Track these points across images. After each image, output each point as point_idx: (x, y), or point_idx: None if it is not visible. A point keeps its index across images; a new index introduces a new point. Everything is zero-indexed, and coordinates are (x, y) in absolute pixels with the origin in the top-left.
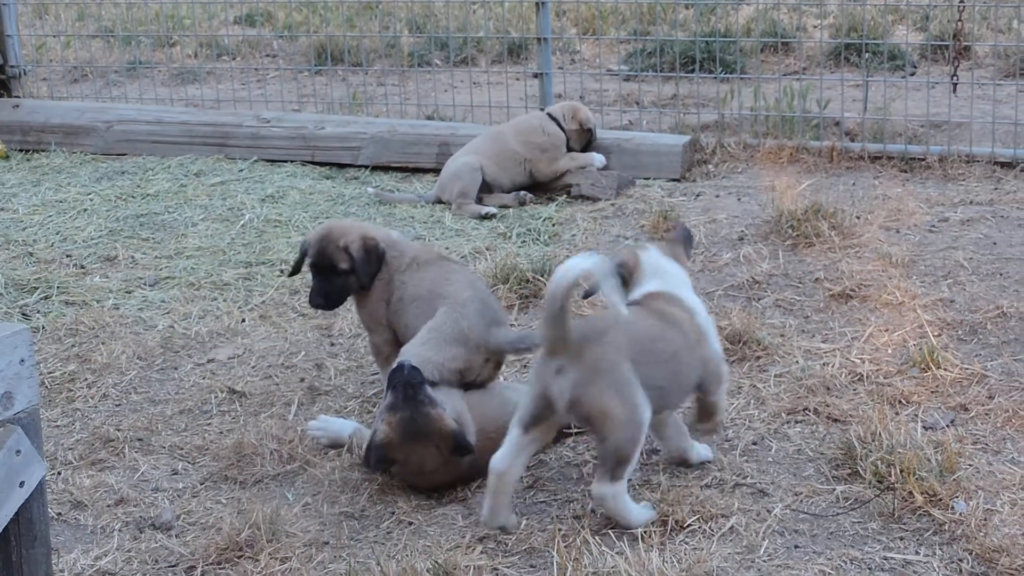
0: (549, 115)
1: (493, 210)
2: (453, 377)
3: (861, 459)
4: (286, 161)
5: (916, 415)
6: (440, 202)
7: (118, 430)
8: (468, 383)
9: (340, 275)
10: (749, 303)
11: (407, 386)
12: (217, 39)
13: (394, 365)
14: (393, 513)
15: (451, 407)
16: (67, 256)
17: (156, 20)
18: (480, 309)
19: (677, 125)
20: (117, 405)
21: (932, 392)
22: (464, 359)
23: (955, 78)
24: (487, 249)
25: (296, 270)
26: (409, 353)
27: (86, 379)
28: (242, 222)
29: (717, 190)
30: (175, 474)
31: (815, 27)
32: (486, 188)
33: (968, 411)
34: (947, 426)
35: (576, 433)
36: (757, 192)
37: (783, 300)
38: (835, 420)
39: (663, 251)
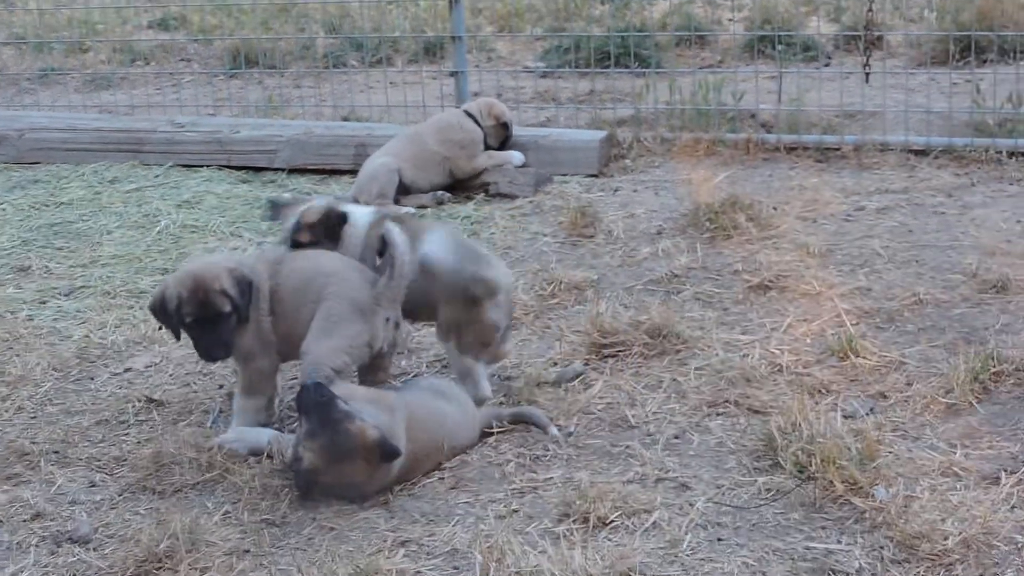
0: (466, 112)
1: (411, 210)
2: (363, 353)
3: (782, 450)
4: (202, 166)
5: (836, 404)
6: (357, 203)
7: (33, 443)
8: (377, 354)
9: (225, 319)
10: (668, 297)
11: (318, 407)
12: (131, 44)
13: (300, 379)
14: (314, 519)
15: (369, 413)
16: None
17: (68, 26)
18: (360, 275)
19: (594, 121)
20: (32, 418)
21: (851, 381)
22: (367, 330)
23: (868, 68)
24: None
25: (179, 334)
26: (313, 351)
27: (0, 392)
28: (158, 229)
29: (635, 185)
30: (93, 486)
31: (730, 20)
32: (404, 190)
33: (887, 399)
34: (866, 414)
35: (499, 432)
36: (674, 186)
37: (702, 293)
38: (755, 411)
39: None
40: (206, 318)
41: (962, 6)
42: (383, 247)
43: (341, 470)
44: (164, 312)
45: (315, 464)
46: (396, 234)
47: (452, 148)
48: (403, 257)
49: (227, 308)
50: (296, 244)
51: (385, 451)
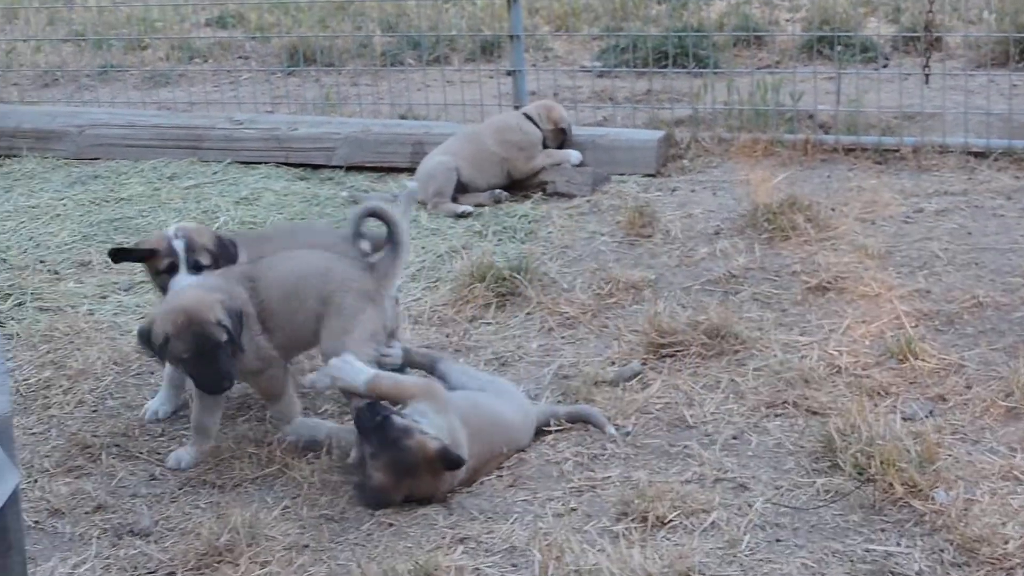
0: (525, 114)
1: (469, 209)
2: (382, 337)
3: (841, 451)
4: (260, 163)
5: (895, 406)
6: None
7: (95, 436)
8: (389, 334)
9: (224, 348)
10: (726, 297)
11: (376, 429)
12: (189, 41)
13: (358, 401)
14: (373, 515)
15: (427, 420)
16: (40, 262)
17: (127, 23)
18: (351, 263)
19: (651, 120)
20: (93, 411)
21: (910, 383)
22: (380, 313)
23: (927, 69)
24: (463, 248)
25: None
26: (338, 350)
27: (62, 385)
28: (217, 224)
29: (692, 185)
30: (153, 479)
31: (787, 20)
32: (461, 189)
33: (946, 401)
34: (926, 417)
35: (557, 431)
36: (732, 186)
37: (760, 294)
38: (814, 413)
39: None
40: (205, 350)
41: (1022, 7)
42: (358, 233)
43: (409, 485)
44: (157, 342)
45: (383, 483)
46: (392, 212)
47: (511, 149)
48: (405, 234)
49: (224, 338)
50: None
51: (448, 460)
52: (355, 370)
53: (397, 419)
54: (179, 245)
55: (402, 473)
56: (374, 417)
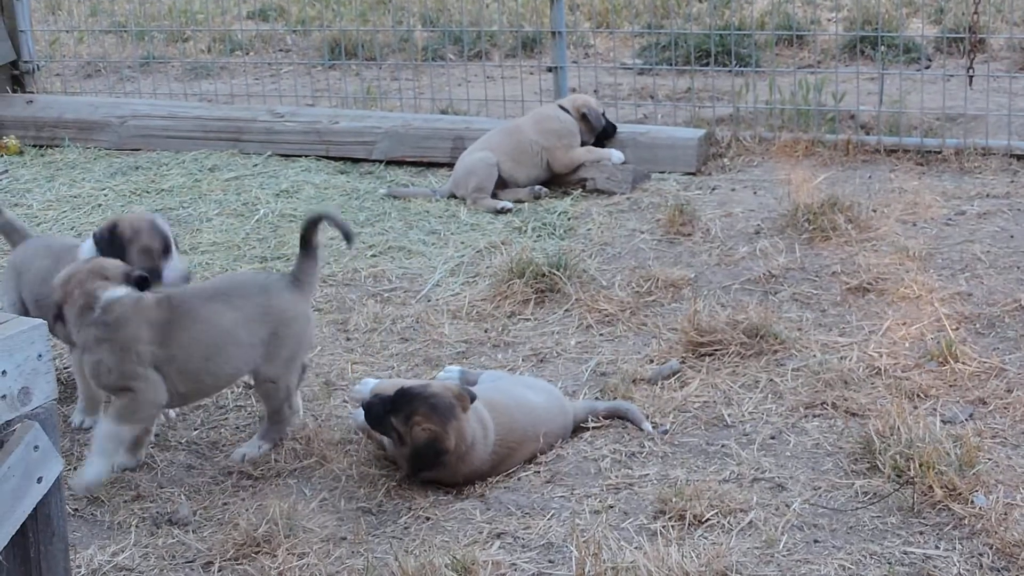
0: (559, 105)
1: (509, 204)
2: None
3: (880, 453)
4: (300, 156)
5: (935, 409)
6: (454, 197)
7: None
8: None
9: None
10: (766, 297)
11: (396, 402)
12: (230, 34)
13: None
14: (410, 508)
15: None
16: None
17: (169, 15)
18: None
19: (692, 119)
20: None
21: (950, 386)
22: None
23: (971, 71)
24: (502, 243)
25: None
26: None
27: None
28: (257, 217)
29: (733, 184)
30: (191, 469)
31: (829, 20)
32: (501, 184)
33: (987, 405)
34: (966, 420)
35: (594, 428)
36: (773, 186)
37: (800, 294)
38: (853, 414)
39: None
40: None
41: None
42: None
43: (455, 428)
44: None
45: (434, 432)
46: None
47: (550, 138)
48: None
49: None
50: None
51: (469, 391)
52: (360, 383)
53: (411, 384)
54: (167, 226)
55: (445, 415)
56: (383, 402)
